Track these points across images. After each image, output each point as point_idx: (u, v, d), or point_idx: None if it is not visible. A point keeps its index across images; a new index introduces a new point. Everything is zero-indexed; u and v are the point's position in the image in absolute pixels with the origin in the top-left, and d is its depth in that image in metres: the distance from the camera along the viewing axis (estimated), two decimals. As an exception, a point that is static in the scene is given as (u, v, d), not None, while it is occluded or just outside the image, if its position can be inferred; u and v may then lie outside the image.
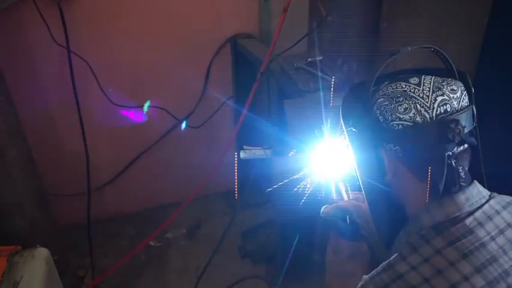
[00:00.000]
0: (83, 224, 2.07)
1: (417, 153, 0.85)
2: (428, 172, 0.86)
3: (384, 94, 0.88)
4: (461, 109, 0.85)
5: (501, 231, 0.84)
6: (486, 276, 0.78)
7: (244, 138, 2.24)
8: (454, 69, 0.92)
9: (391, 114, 0.85)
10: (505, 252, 0.81)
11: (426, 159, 0.85)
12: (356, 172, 1.02)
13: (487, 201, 0.87)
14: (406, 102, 0.84)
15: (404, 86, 0.87)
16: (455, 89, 0.87)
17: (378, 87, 0.91)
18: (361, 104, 0.91)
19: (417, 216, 0.89)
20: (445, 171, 0.82)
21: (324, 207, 1.27)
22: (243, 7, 2.34)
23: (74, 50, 1.92)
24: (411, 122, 0.83)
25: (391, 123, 0.85)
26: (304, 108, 1.36)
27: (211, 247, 2.44)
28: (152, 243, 2.40)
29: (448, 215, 0.85)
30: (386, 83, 0.91)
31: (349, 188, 1.30)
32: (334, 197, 1.28)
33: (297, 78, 1.50)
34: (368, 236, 1.20)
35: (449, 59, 0.92)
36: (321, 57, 1.58)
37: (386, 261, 0.85)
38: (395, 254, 0.86)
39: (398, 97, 0.86)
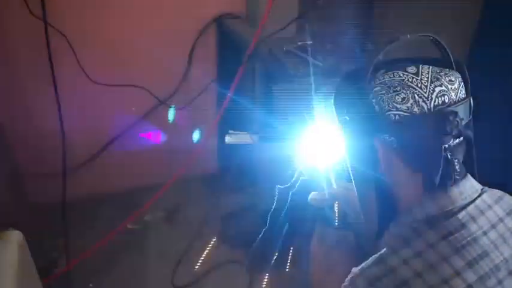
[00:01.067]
0: (56, 204, 2.00)
1: (413, 144, 0.83)
2: (422, 164, 0.84)
3: (381, 83, 0.85)
4: (458, 101, 0.83)
5: (493, 226, 0.83)
6: (478, 271, 0.78)
7: (228, 121, 2.19)
8: (451, 59, 0.90)
9: (388, 104, 0.82)
10: (496, 247, 0.81)
11: (422, 151, 0.83)
12: (347, 161, 1.00)
13: (479, 196, 0.86)
14: (404, 91, 0.82)
15: (402, 75, 0.84)
16: (453, 80, 0.85)
17: (373, 76, 0.89)
18: (356, 92, 0.88)
19: (409, 208, 0.88)
20: (442, 164, 0.80)
21: (312, 193, 1.26)
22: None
23: (52, 22, 1.82)
24: (408, 113, 0.81)
25: (388, 113, 0.83)
26: (293, 93, 1.32)
27: (191, 231, 2.41)
28: (130, 226, 2.34)
29: (441, 208, 0.83)
30: (382, 71, 0.88)
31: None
32: (323, 185, 1.26)
33: (286, 62, 1.46)
34: (355, 225, 1.19)
35: (447, 49, 0.90)
36: (311, 42, 1.53)
37: (378, 254, 0.84)
38: (386, 247, 0.84)
39: (396, 86, 0.83)
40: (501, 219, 0.85)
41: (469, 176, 0.88)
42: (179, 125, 2.50)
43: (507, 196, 0.90)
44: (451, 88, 0.83)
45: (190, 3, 2.20)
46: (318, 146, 1.28)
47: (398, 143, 0.84)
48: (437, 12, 1.62)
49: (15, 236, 1.28)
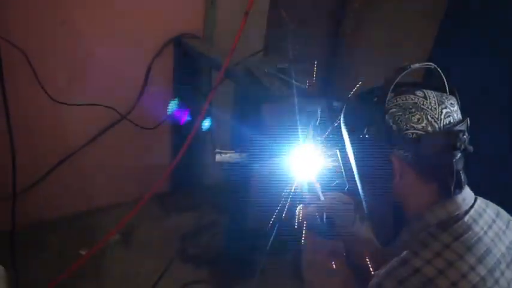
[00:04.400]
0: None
1: (428, 159, 0.95)
2: (434, 175, 0.97)
3: (396, 105, 0.97)
4: (460, 120, 0.97)
5: (490, 226, 0.98)
6: (486, 265, 0.91)
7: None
8: (446, 86, 1.05)
9: (406, 124, 0.94)
10: (495, 244, 0.95)
11: (436, 164, 0.95)
12: (356, 175, 1.09)
13: (475, 201, 1.01)
14: (418, 113, 0.94)
15: (413, 99, 0.96)
16: (453, 103, 0.99)
17: (383, 98, 0.99)
18: (375, 113, 0.98)
19: (421, 215, 0.99)
20: (455, 175, 0.93)
21: (300, 207, 1.33)
22: (188, 6, 2.30)
23: (12, 40, 1.69)
24: (423, 131, 0.93)
25: (406, 131, 0.94)
26: (282, 112, 1.40)
27: (148, 252, 2.34)
28: (83, 252, 2.20)
29: (450, 213, 0.96)
30: (392, 94, 1.00)
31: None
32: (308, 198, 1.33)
33: (270, 84, 1.53)
34: (344, 233, 1.28)
35: (443, 77, 1.05)
36: (288, 64, 1.63)
37: (399, 257, 0.93)
38: (406, 251, 0.94)
39: (411, 108, 0.95)
40: (494, 221, 1.00)
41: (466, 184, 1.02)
42: (131, 145, 2.44)
43: (490, 202, 1.07)
44: (453, 110, 0.97)
45: (149, 23, 2.19)
46: (303, 161, 1.37)
47: (414, 158, 0.95)
48: (401, 34, 1.79)
49: (1, 272, 1.17)
